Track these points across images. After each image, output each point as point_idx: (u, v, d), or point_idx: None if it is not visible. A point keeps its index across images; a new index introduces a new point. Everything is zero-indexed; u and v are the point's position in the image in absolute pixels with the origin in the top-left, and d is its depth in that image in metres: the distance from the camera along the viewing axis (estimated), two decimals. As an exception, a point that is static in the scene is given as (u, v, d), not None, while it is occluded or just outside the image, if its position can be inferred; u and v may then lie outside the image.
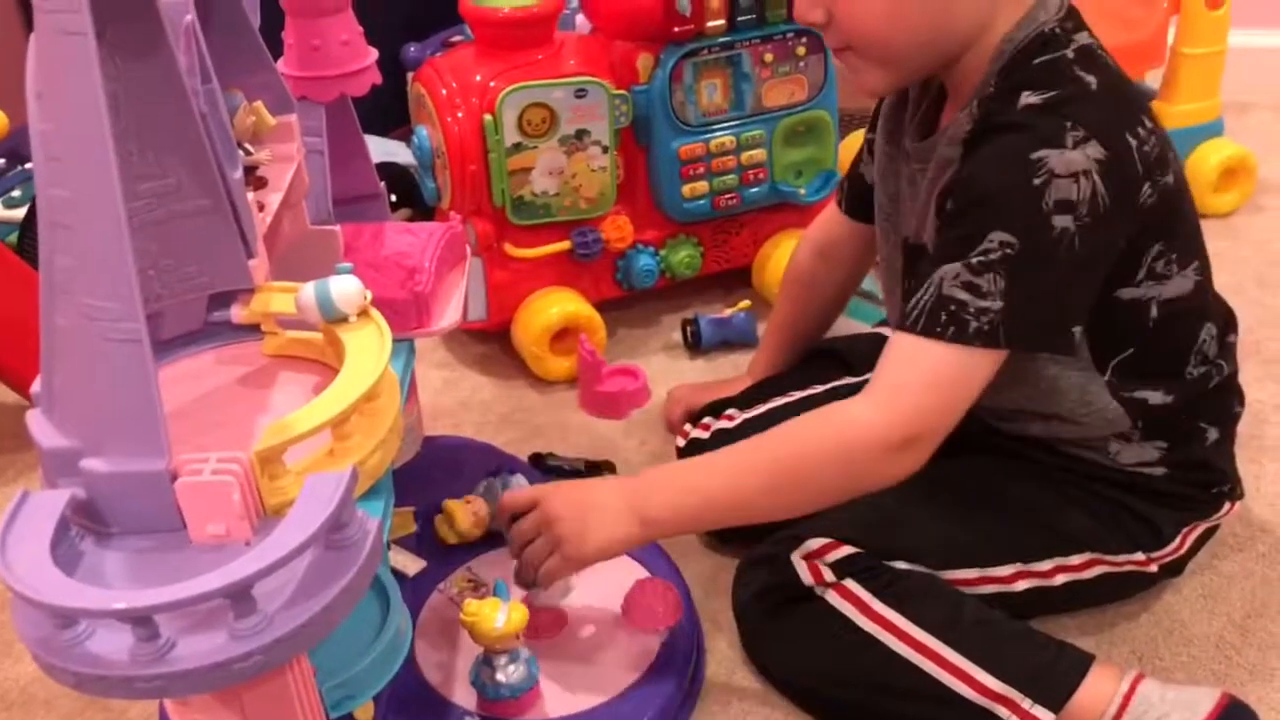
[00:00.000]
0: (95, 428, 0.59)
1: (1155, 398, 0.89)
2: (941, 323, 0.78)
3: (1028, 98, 0.80)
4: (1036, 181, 0.76)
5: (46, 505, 0.58)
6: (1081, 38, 0.83)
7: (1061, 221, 0.77)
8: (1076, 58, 0.81)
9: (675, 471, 0.88)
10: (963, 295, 0.78)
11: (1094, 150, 0.77)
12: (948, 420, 0.80)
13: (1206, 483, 0.94)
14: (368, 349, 0.69)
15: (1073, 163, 0.77)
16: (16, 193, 1.52)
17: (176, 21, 0.66)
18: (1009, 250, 0.77)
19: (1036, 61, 0.81)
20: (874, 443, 0.79)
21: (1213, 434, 0.93)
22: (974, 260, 0.78)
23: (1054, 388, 0.88)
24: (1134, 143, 0.80)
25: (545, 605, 0.92)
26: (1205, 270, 0.90)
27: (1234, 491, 0.96)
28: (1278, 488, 1.11)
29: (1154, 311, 0.86)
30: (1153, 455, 0.91)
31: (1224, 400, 0.94)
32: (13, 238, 1.41)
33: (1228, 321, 0.95)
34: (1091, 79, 0.81)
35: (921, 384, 0.80)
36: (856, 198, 1.08)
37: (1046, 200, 0.76)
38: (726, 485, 0.83)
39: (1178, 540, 0.94)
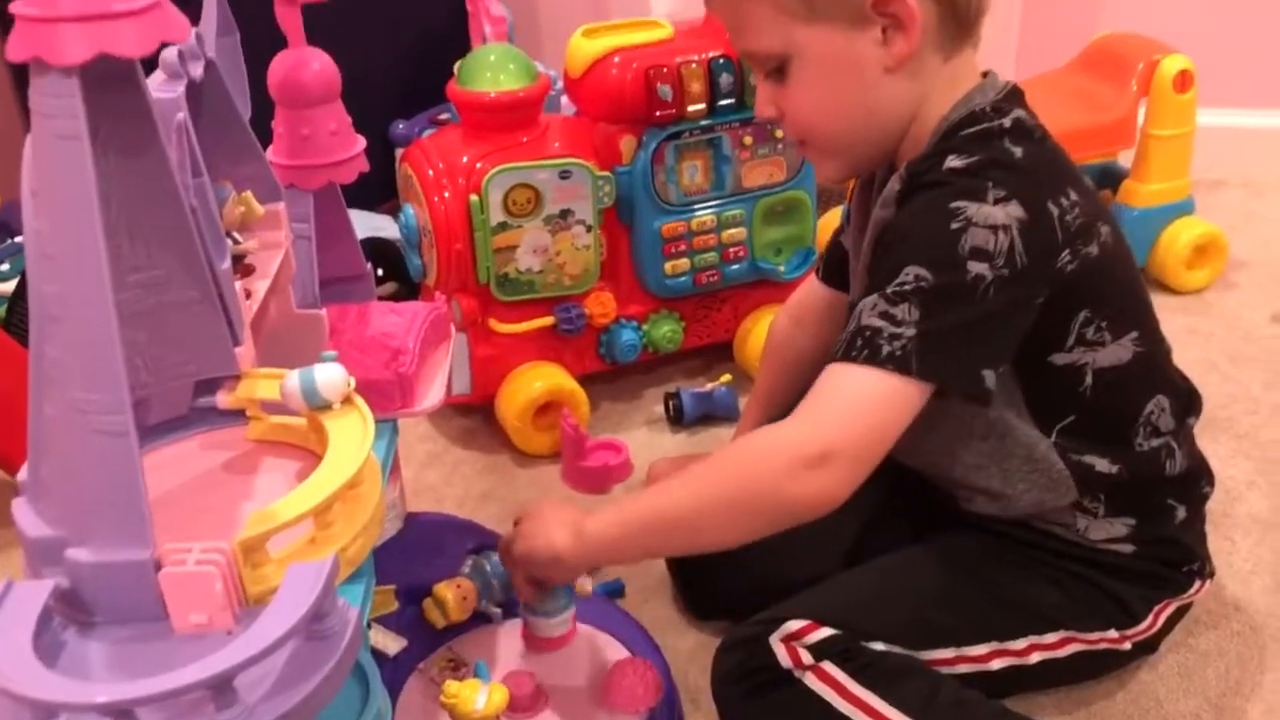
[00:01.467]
0: (81, 518, 0.60)
1: (1101, 465, 0.90)
2: (857, 348, 0.81)
3: (952, 161, 0.83)
4: (954, 226, 0.80)
5: (30, 596, 0.59)
6: (1016, 114, 0.87)
7: (977, 268, 0.80)
8: (1005, 131, 0.85)
9: (625, 497, 0.90)
10: (878, 323, 0.81)
11: (1014, 210, 0.80)
12: (864, 445, 0.81)
13: (1176, 561, 0.96)
14: (351, 436, 0.70)
15: (991, 216, 0.80)
16: (5, 266, 1.53)
17: (169, 118, 0.68)
18: (923, 284, 0.80)
19: (965, 132, 0.86)
20: (787, 456, 0.80)
21: (1181, 512, 0.94)
22: (890, 291, 0.81)
23: (1002, 444, 0.90)
24: (1055, 211, 0.83)
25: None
26: (1151, 343, 0.91)
27: (1204, 570, 0.97)
28: (1250, 564, 1.12)
29: (1089, 379, 0.88)
30: (1121, 531, 0.93)
31: (1189, 478, 0.95)
32: (0, 311, 1.42)
33: (1190, 402, 0.96)
34: (1018, 150, 0.84)
35: (835, 403, 0.82)
36: (833, 265, 1.11)
37: (962, 245, 0.80)
38: (659, 504, 0.85)
39: (1150, 618, 0.95)
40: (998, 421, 0.89)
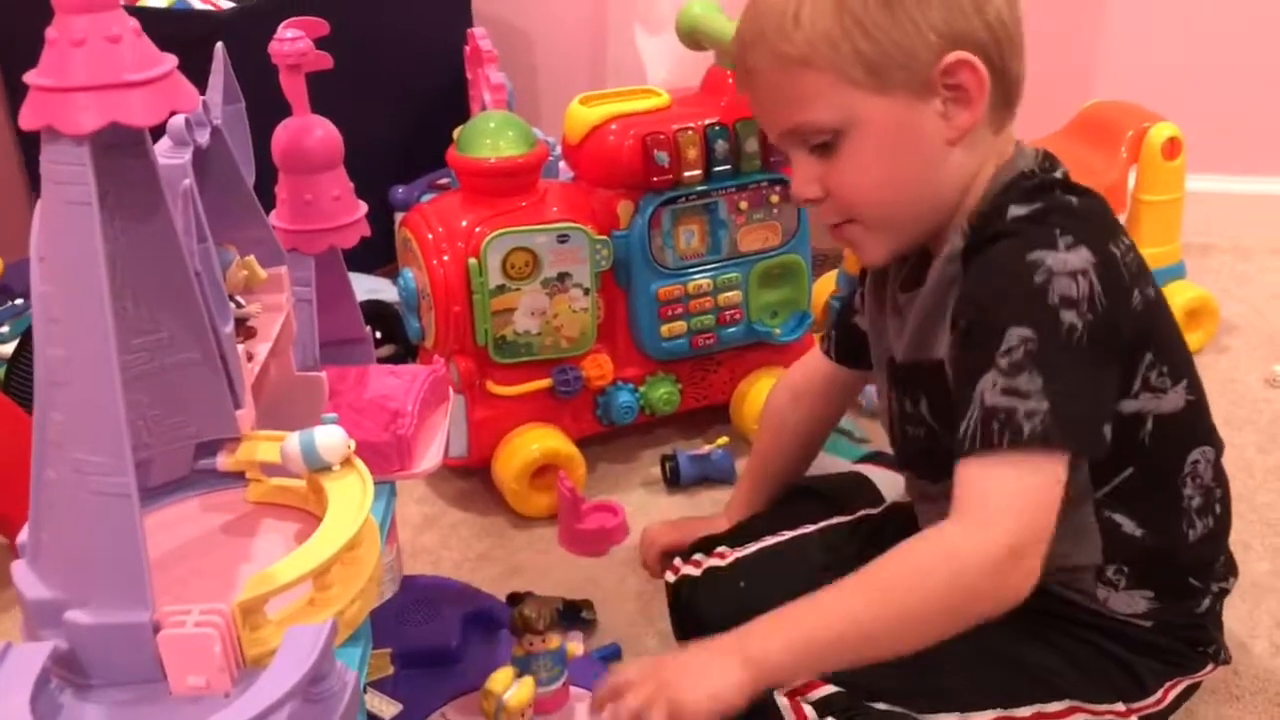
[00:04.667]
0: (81, 580, 0.60)
1: (1128, 526, 0.90)
2: (996, 433, 0.79)
3: (1015, 210, 0.84)
4: (1038, 279, 0.79)
5: (28, 658, 0.59)
6: (1062, 168, 0.88)
7: (1069, 317, 0.79)
8: (1058, 182, 0.87)
9: (781, 613, 0.83)
10: (1006, 401, 0.79)
11: (1085, 254, 0.80)
12: (1040, 529, 0.80)
13: (1194, 640, 0.95)
14: (350, 498, 0.70)
15: (1068, 262, 0.80)
16: (4, 329, 1.54)
17: (175, 184, 0.69)
18: (1030, 346, 0.79)
19: (1020, 186, 0.86)
20: (983, 562, 0.79)
21: (1204, 600, 0.94)
22: (1003, 363, 0.79)
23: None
24: (1117, 252, 0.83)
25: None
26: (1197, 392, 0.91)
27: (1219, 655, 0.97)
28: (1249, 628, 1.12)
29: (1149, 425, 0.88)
30: (1141, 607, 0.92)
31: (1210, 555, 0.95)
32: (0, 373, 1.43)
33: (1221, 473, 0.96)
34: (1072, 198, 0.85)
35: (1003, 497, 0.80)
36: (847, 346, 1.11)
37: (1051, 296, 0.79)
38: (838, 620, 0.81)
39: (1160, 693, 0.94)
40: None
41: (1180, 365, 0.90)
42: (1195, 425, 0.92)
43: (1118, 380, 0.84)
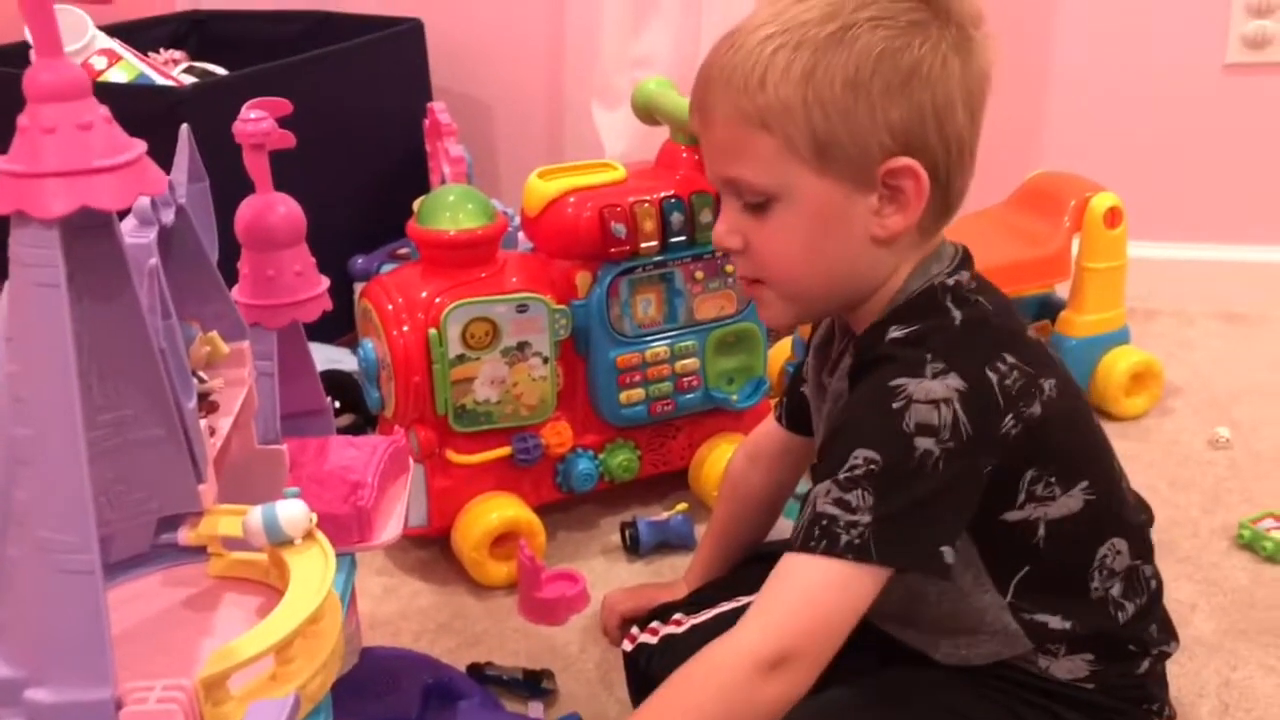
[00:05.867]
0: (42, 658, 0.61)
1: (1054, 622, 0.91)
2: (815, 537, 0.81)
3: (894, 332, 0.85)
4: (896, 405, 0.81)
5: (-13, 738, 0.59)
6: (959, 276, 0.88)
7: (924, 444, 0.80)
8: (948, 289, 0.87)
9: None
10: (833, 510, 0.80)
11: (954, 381, 0.81)
12: (823, 639, 0.80)
13: (1137, 699, 0.97)
14: (312, 571, 0.71)
15: (931, 391, 0.81)
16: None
17: (141, 264, 0.70)
18: (873, 467, 0.80)
19: (913, 300, 0.87)
20: (744, 664, 0.79)
21: (1144, 662, 0.96)
22: (842, 477, 0.81)
23: (954, 617, 0.91)
24: (994, 377, 0.84)
25: None
26: (1101, 489, 0.91)
27: (1164, 712, 0.98)
28: (1196, 688, 1.14)
29: (1042, 530, 0.89)
30: (1083, 671, 0.94)
31: (1145, 625, 0.96)
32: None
33: (1145, 537, 0.97)
34: (957, 314, 0.86)
35: (793, 598, 0.81)
36: (795, 412, 1.13)
37: (907, 423, 0.80)
38: None
39: None
40: (949, 591, 0.89)
41: (1077, 469, 0.90)
42: (1101, 522, 0.92)
43: (972, 506, 0.84)
